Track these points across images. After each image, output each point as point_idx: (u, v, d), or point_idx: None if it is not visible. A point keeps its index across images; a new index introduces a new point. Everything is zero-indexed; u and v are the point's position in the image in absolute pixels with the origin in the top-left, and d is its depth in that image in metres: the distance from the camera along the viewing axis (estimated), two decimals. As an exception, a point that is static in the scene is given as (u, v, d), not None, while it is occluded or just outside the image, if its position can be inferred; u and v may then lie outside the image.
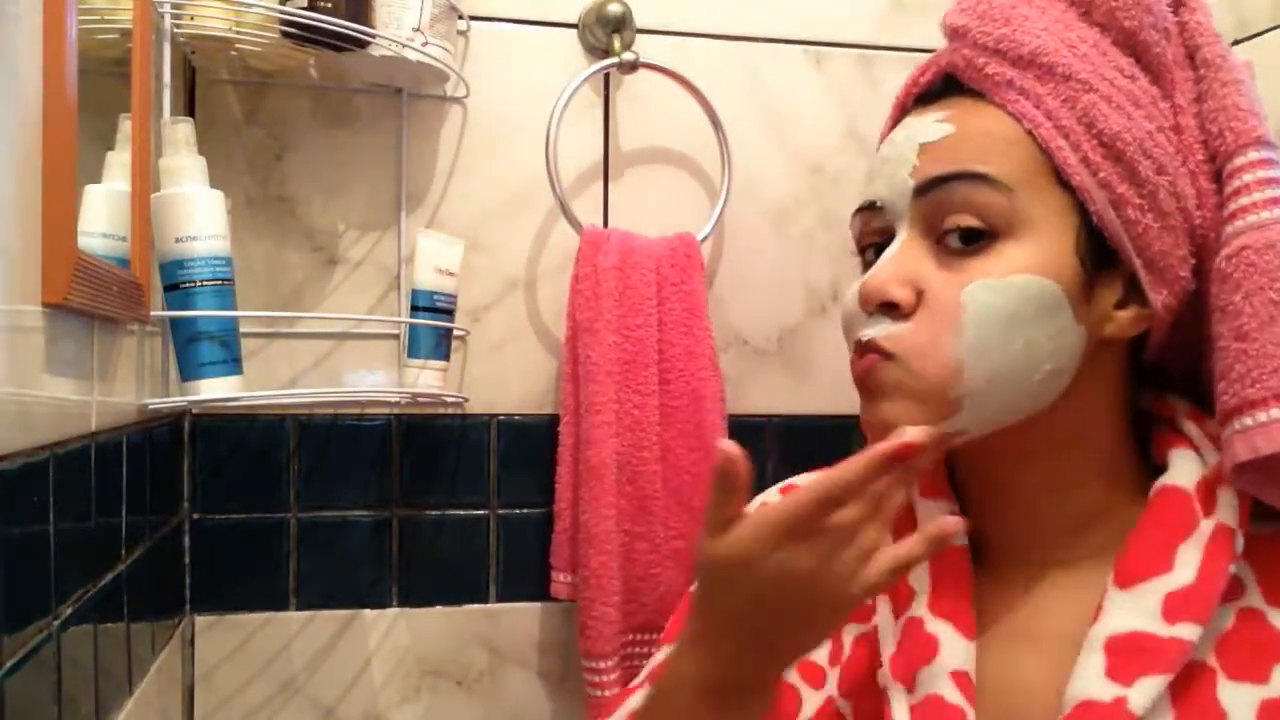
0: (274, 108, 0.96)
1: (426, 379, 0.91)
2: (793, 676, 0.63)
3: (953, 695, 0.55)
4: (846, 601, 0.50)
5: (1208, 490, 0.55)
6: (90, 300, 0.56)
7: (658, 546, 0.95)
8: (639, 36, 1.03)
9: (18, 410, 0.48)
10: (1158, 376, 0.62)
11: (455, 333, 0.94)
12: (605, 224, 1.03)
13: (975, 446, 0.58)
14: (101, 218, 0.66)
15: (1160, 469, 0.58)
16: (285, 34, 0.82)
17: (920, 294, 0.55)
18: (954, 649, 0.56)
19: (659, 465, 0.95)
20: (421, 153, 1.00)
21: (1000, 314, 0.53)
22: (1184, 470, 0.56)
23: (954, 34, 0.59)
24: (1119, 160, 0.54)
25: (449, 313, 0.92)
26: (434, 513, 1.00)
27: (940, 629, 0.57)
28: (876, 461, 0.48)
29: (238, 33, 0.82)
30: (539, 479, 1.01)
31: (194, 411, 0.94)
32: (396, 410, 0.99)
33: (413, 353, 0.90)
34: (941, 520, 0.51)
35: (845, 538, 0.49)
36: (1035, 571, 0.59)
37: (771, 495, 0.71)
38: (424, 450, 1.00)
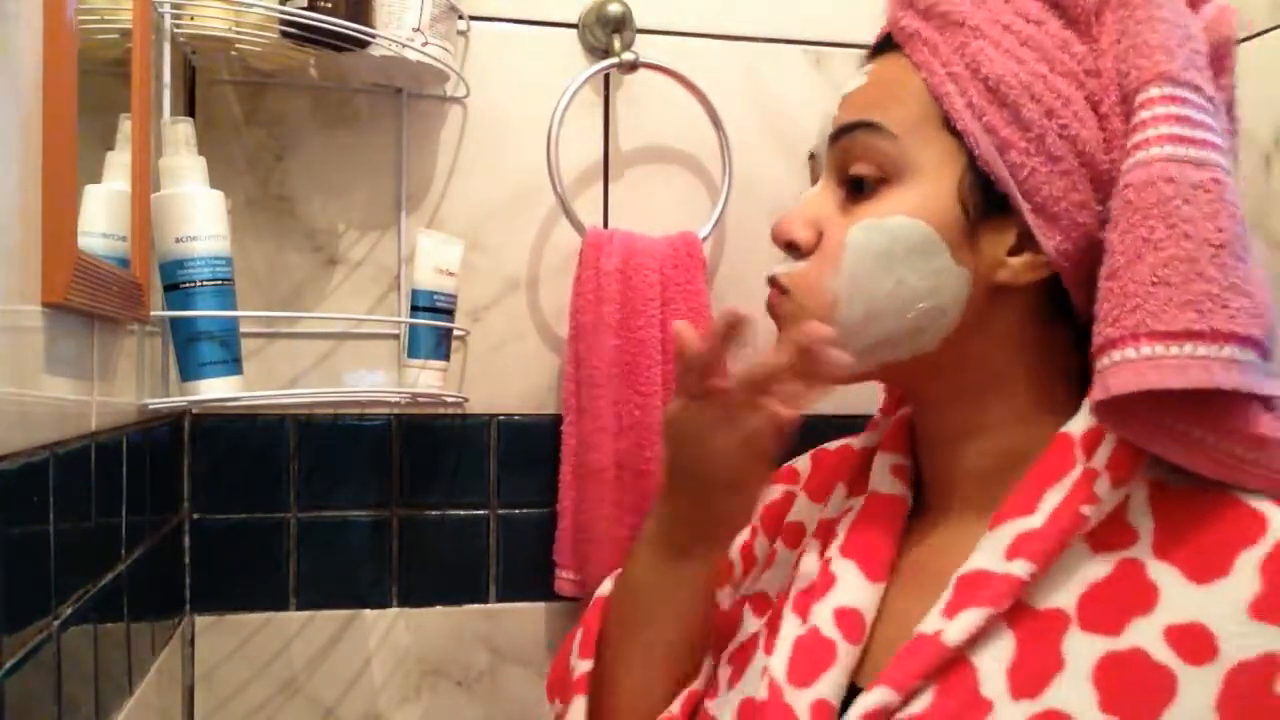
0: (274, 108, 0.96)
1: (426, 379, 0.91)
2: (745, 607, 0.69)
3: (829, 629, 0.58)
4: (745, 454, 0.59)
5: (1096, 437, 0.54)
6: (90, 300, 0.56)
7: None
8: (639, 36, 1.03)
9: (18, 410, 0.48)
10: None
11: (455, 333, 0.94)
12: (605, 224, 1.03)
13: (906, 397, 0.64)
14: (101, 218, 0.66)
15: None
16: (285, 34, 0.82)
17: (820, 235, 0.59)
18: (848, 587, 0.59)
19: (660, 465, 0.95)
20: (421, 153, 1.00)
21: (872, 252, 0.56)
22: (1083, 418, 0.56)
23: None
24: (1003, 104, 0.55)
25: (449, 313, 0.92)
26: (434, 513, 1.00)
27: (843, 568, 0.61)
28: (720, 328, 0.57)
29: (238, 33, 0.82)
30: (539, 479, 1.01)
31: (194, 411, 0.94)
32: (396, 410, 0.99)
33: (413, 353, 0.90)
34: (807, 324, 0.56)
35: (731, 399, 0.58)
36: (955, 517, 0.61)
37: (802, 458, 0.77)
38: (424, 450, 1.00)
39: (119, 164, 0.69)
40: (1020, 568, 0.52)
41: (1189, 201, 0.51)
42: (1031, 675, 0.50)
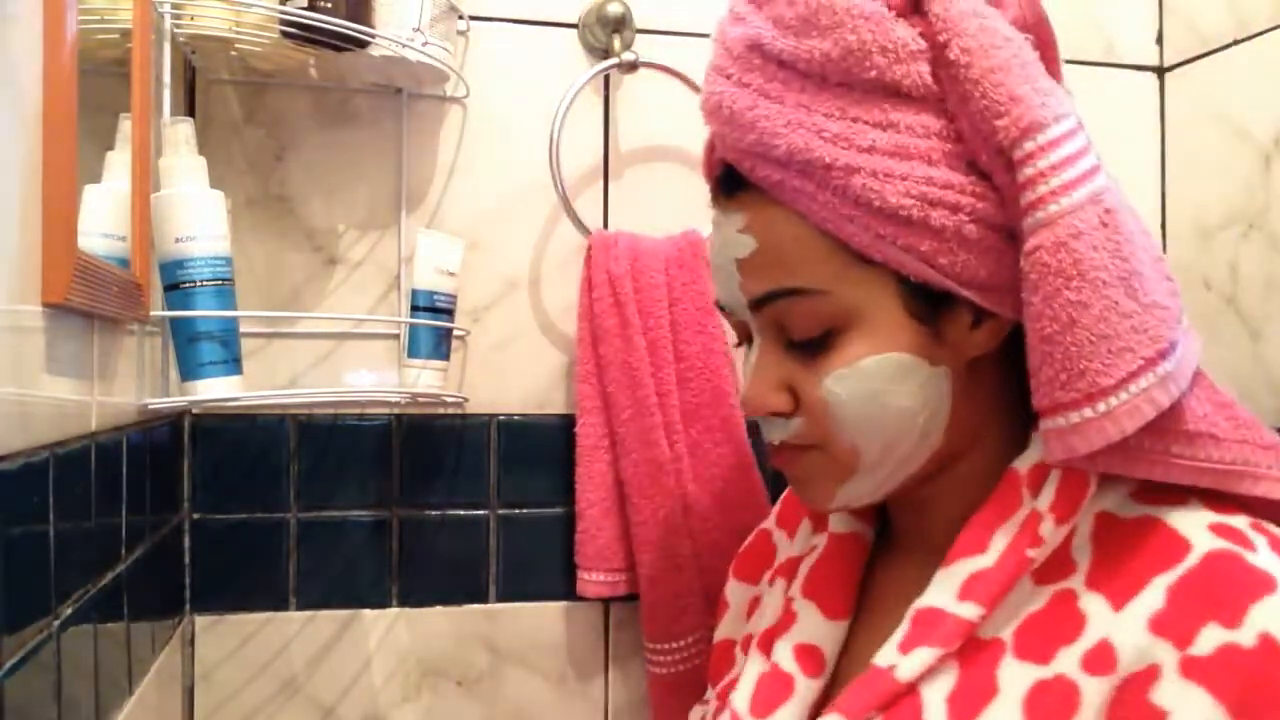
0: (274, 108, 0.96)
1: (426, 379, 0.91)
2: (737, 645, 0.73)
3: (788, 664, 0.61)
4: None
5: (1039, 473, 0.56)
6: (90, 300, 0.56)
7: (697, 538, 0.96)
8: (639, 36, 1.03)
9: (18, 410, 0.48)
10: None
11: (455, 333, 0.94)
12: (606, 224, 1.03)
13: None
14: (101, 218, 0.66)
15: None
16: (285, 34, 0.82)
17: (795, 393, 0.58)
18: (807, 624, 0.62)
19: (690, 461, 0.96)
20: (421, 153, 1.00)
21: (859, 397, 0.56)
22: (1029, 456, 0.58)
23: (713, 134, 0.61)
24: (909, 223, 0.53)
25: (449, 313, 0.92)
26: (434, 513, 1.00)
27: (803, 607, 0.63)
28: None
29: (238, 33, 0.82)
30: (539, 479, 1.01)
31: (194, 411, 0.94)
32: (396, 410, 0.99)
33: (413, 353, 0.90)
34: None
35: None
36: (920, 553, 0.62)
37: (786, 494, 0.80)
38: (424, 450, 1.00)
39: (119, 164, 0.69)
40: (970, 610, 0.54)
41: (1097, 248, 0.51)
42: (968, 703, 0.52)
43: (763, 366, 0.59)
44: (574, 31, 1.03)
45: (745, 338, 0.63)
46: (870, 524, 0.67)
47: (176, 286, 0.75)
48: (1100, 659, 0.50)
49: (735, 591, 0.78)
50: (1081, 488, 0.55)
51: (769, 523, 0.79)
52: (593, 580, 0.97)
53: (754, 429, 0.98)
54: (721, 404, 0.97)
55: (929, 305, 0.56)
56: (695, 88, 1.01)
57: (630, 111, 1.04)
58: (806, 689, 0.60)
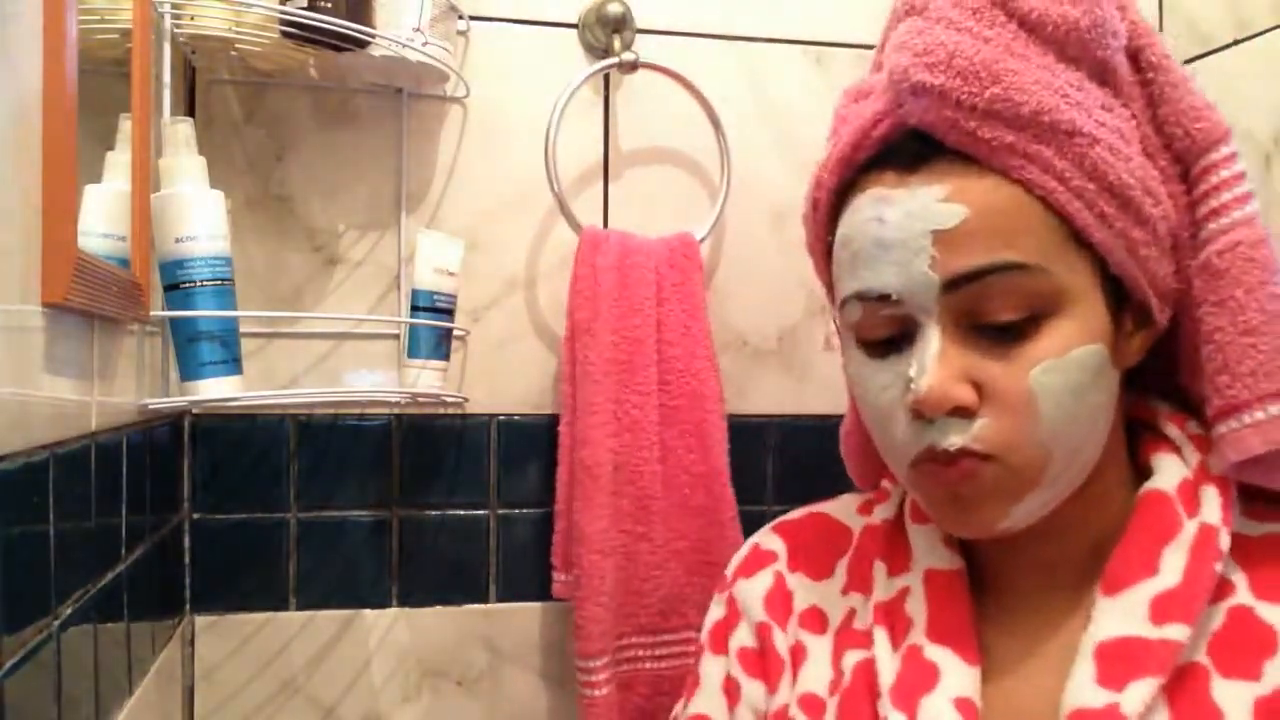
0: (274, 108, 0.96)
1: (426, 379, 0.91)
2: (794, 709, 0.62)
3: None
4: None
5: (1190, 492, 0.55)
6: (90, 300, 0.56)
7: (659, 547, 0.95)
8: (639, 36, 1.03)
9: (18, 410, 0.48)
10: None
11: (455, 333, 0.94)
12: (605, 224, 1.03)
13: None
14: (101, 218, 0.66)
15: (1144, 473, 0.58)
16: (285, 34, 0.82)
17: (979, 387, 0.53)
18: (955, 675, 0.56)
19: (659, 466, 0.95)
20: (421, 153, 1.00)
21: (1068, 391, 0.52)
22: (1167, 474, 0.56)
23: (923, 92, 0.53)
24: (1127, 207, 0.53)
25: (449, 313, 0.92)
26: (434, 513, 1.00)
27: (940, 656, 0.57)
28: None
29: (238, 33, 0.82)
30: (539, 479, 1.01)
31: (194, 411, 0.94)
32: (396, 410, 0.99)
33: (413, 353, 0.90)
34: None
35: None
36: (1034, 589, 0.59)
37: (765, 536, 0.70)
38: (424, 450, 1.00)
39: (119, 164, 0.69)
40: (1177, 631, 0.51)
41: (1258, 264, 0.53)
42: None
43: (947, 356, 0.52)
44: (574, 31, 1.03)
45: (881, 336, 0.56)
46: (961, 555, 0.61)
47: (176, 286, 0.75)
48: None
49: (782, 641, 0.66)
50: (1230, 505, 0.54)
51: (779, 565, 0.68)
52: (565, 580, 0.97)
53: (730, 435, 0.98)
54: (699, 409, 0.97)
55: (1116, 298, 0.55)
56: (694, 88, 1.02)
57: (630, 111, 1.04)
58: None
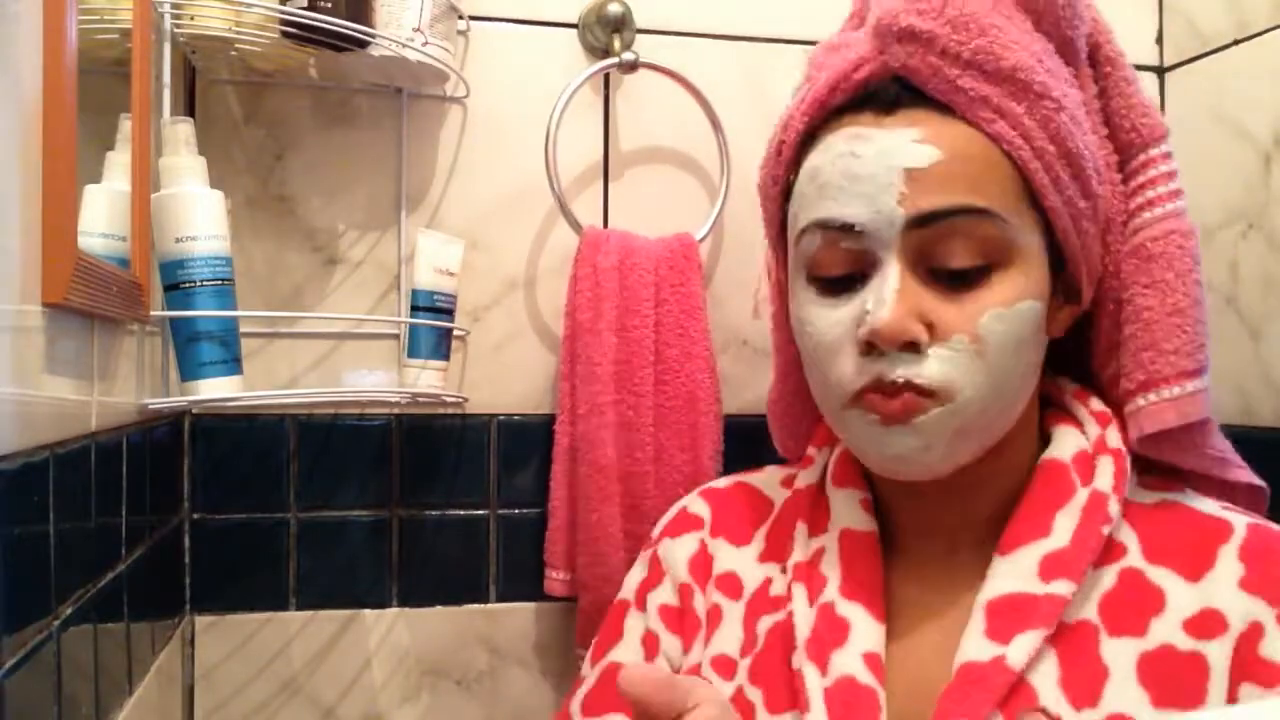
0: (274, 108, 0.96)
1: (426, 379, 0.91)
2: (706, 669, 0.64)
3: (865, 676, 0.57)
4: None
5: (1087, 462, 0.59)
6: (90, 300, 0.56)
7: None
8: (639, 36, 1.03)
9: (18, 410, 0.48)
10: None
11: (455, 333, 0.94)
12: (605, 224, 1.03)
13: None
14: (101, 218, 0.66)
15: (1048, 444, 0.61)
16: (285, 34, 0.82)
17: (930, 328, 0.54)
18: (865, 631, 0.58)
19: (652, 466, 0.95)
20: (421, 153, 1.00)
21: (1011, 340, 0.55)
22: (1066, 444, 0.60)
23: (911, 37, 0.55)
24: (1078, 177, 0.56)
25: (449, 313, 0.92)
26: (434, 513, 1.00)
27: (851, 612, 0.59)
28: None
29: (238, 33, 0.82)
30: (539, 479, 1.01)
31: (194, 411, 0.94)
32: (396, 410, 0.99)
33: (413, 353, 0.90)
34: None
35: None
36: (941, 551, 0.61)
37: (692, 500, 0.74)
38: (424, 450, 1.00)
39: (119, 164, 0.69)
40: (1063, 587, 0.54)
41: (1187, 253, 0.58)
42: (1084, 686, 0.53)
43: (904, 292, 0.54)
44: (574, 31, 1.03)
45: (841, 272, 0.57)
46: (876, 519, 0.64)
47: (176, 286, 0.75)
48: (1210, 625, 0.53)
49: (701, 603, 0.68)
50: (1124, 473, 0.58)
51: (704, 531, 0.70)
52: (558, 579, 0.97)
53: (729, 435, 0.98)
54: (693, 410, 0.97)
55: (1056, 270, 0.58)
56: (694, 88, 1.01)
57: (630, 111, 1.04)
58: (886, 701, 0.56)
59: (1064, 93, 0.55)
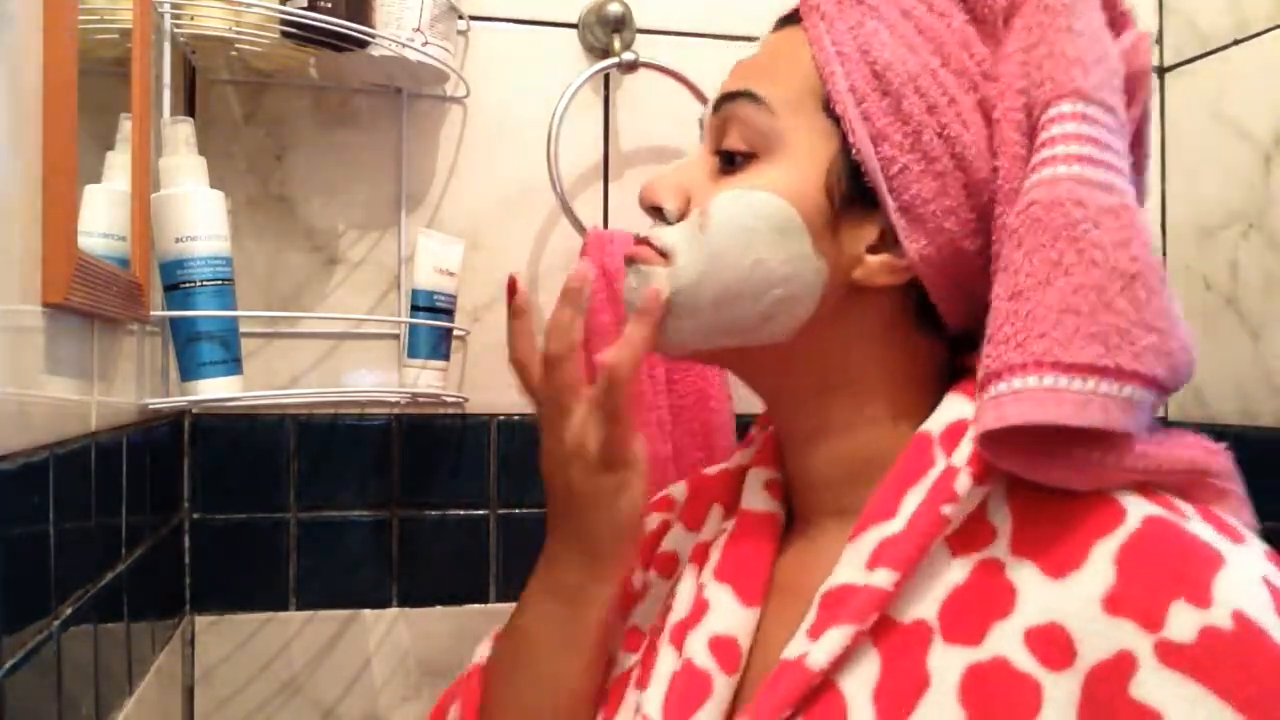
0: (274, 108, 0.96)
1: (426, 379, 0.91)
2: (618, 639, 0.65)
3: (702, 659, 0.54)
4: (582, 459, 0.60)
5: (953, 433, 0.51)
6: (90, 300, 0.56)
7: None
8: (639, 36, 1.03)
9: (18, 410, 0.48)
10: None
11: (455, 333, 0.94)
12: (605, 224, 1.03)
13: (759, 392, 0.61)
14: (101, 218, 0.66)
15: None
16: (285, 34, 0.82)
17: (688, 202, 0.57)
18: (723, 613, 0.56)
19: (672, 464, 0.96)
20: (421, 153, 1.00)
21: (736, 224, 0.54)
22: (944, 414, 0.53)
23: None
24: (885, 93, 0.52)
25: (449, 313, 0.92)
26: (434, 513, 1.00)
27: (717, 593, 0.57)
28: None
29: (238, 33, 0.82)
30: (539, 479, 1.01)
31: (194, 411, 0.94)
32: (396, 410, 0.99)
33: (413, 353, 0.90)
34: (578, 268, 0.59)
35: (554, 400, 0.59)
36: (818, 529, 0.58)
37: (679, 488, 0.73)
38: (424, 450, 1.00)
39: (119, 164, 0.69)
40: (883, 578, 0.48)
41: (1099, 226, 0.47)
42: (898, 697, 0.47)
43: (682, 167, 0.58)
44: (574, 31, 1.03)
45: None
46: (783, 501, 0.61)
47: (176, 286, 0.75)
48: (1054, 648, 0.44)
49: (637, 579, 0.69)
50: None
51: (673, 513, 0.71)
52: None
53: (740, 434, 0.98)
54: (704, 408, 0.97)
55: (848, 191, 0.53)
56: (695, 88, 1.01)
57: (630, 111, 1.04)
58: (725, 687, 0.54)
59: (894, 6, 0.54)
